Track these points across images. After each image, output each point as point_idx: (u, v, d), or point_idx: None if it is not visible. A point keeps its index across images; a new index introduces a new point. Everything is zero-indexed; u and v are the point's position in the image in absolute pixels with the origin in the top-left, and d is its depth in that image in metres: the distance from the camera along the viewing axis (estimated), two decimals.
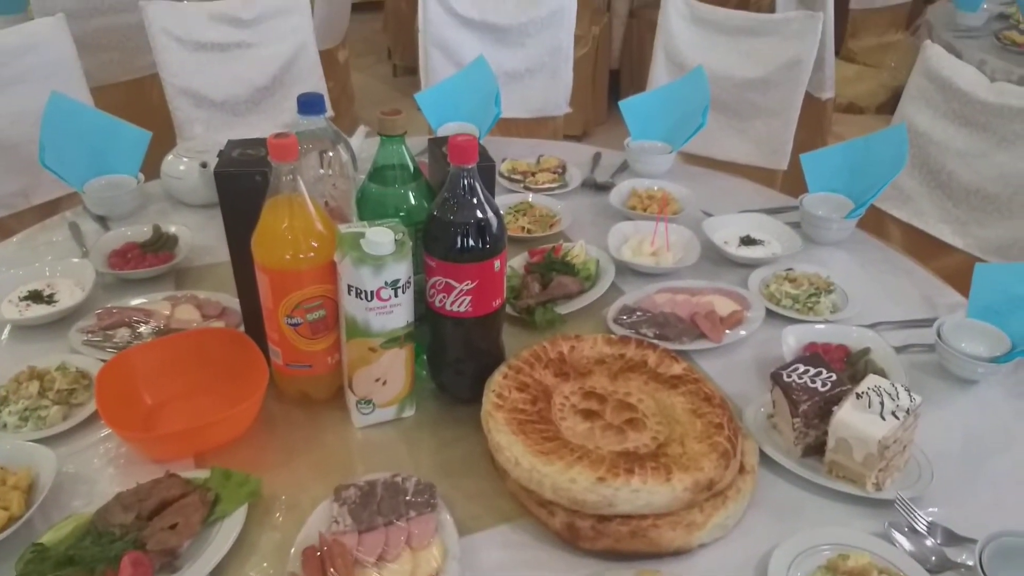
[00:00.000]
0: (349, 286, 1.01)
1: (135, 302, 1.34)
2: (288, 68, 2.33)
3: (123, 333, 1.25)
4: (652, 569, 0.89)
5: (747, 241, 1.55)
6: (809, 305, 1.36)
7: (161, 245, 1.48)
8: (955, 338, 1.23)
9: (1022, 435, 1.13)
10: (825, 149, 1.70)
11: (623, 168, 1.91)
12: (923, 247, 1.90)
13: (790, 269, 1.45)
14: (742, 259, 1.50)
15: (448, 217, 1.02)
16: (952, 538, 0.95)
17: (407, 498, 0.95)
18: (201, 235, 1.55)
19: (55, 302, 1.33)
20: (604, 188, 1.79)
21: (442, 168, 1.13)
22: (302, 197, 1.02)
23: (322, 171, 1.11)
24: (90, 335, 1.25)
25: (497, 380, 1.09)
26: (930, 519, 0.96)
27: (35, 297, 1.33)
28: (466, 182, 1.01)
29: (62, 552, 0.87)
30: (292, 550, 0.90)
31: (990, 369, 1.19)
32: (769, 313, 1.34)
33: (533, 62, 2.46)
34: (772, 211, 1.66)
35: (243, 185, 1.07)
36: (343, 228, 1.03)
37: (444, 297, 1.06)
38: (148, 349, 1.16)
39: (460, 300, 1.05)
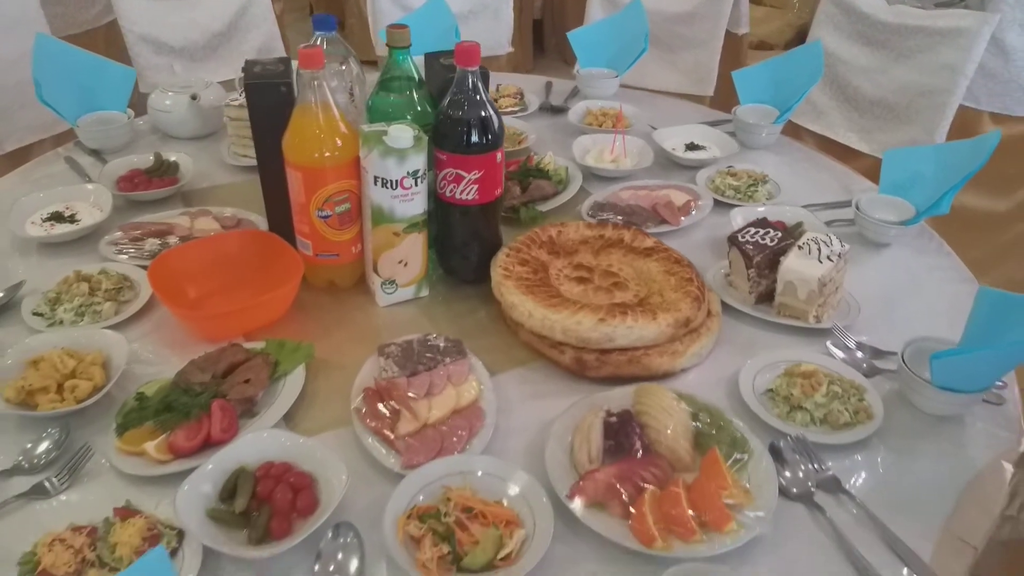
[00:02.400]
0: (375, 177, 1.17)
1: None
2: (242, 13, 2.42)
3: (152, 242, 1.37)
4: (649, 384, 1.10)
5: (692, 147, 1.77)
6: (749, 194, 1.59)
7: (165, 170, 1.59)
8: (870, 210, 1.48)
9: (927, 283, 1.38)
10: (752, 67, 1.92)
11: (574, 94, 2.11)
12: (835, 154, 2.15)
13: (731, 167, 1.68)
14: (689, 161, 1.72)
15: (458, 114, 1.18)
16: (877, 353, 1.19)
17: (441, 348, 1.14)
18: (197, 164, 1.66)
19: (78, 221, 1.43)
20: (560, 111, 1.98)
21: (439, 79, 1.29)
22: (327, 101, 1.17)
23: (336, 83, 1.26)
24: (122, 245, 1.37)
25: (501, 258, 1.27)
26: (860, 340, 1.21)
27: (57, 218, 1.44)
28: (472, 82, 1.18)
29: (158, 402, 1.02)
30: (352, 392, 1.07)
31: (900, 231, 1.44)
32: (716, 203, 1.57)
33: (475, 3, 2.61)
34: (711, 123, 1.88)
35: (271, 95, 1.21)
36: (366, 128, 1.18)
37: (454, 187, 1.23)
38: (187, 250, 1.29)
39: (468, 189, 1.23)
